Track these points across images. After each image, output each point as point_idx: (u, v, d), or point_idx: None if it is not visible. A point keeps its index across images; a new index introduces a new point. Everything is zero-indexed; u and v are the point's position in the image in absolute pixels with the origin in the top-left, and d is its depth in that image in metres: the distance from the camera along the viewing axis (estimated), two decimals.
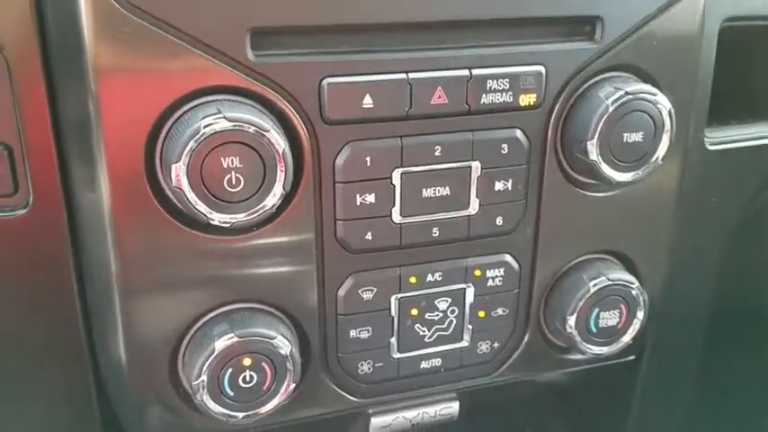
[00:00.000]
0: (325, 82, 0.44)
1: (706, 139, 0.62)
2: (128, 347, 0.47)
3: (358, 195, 0.47)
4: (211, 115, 0.41)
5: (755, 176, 0.68)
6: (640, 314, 0.57)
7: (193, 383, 0.46)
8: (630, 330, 0.57)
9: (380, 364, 0.53)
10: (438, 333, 0.53)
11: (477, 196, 0.50)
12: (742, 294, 0.86)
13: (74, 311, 0.50)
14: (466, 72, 0.46)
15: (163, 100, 0.42)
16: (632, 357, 0.65)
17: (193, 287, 0.46)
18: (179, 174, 0.41)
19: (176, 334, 0.47)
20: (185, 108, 0.42)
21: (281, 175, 0.42)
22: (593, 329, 0.56)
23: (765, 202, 0.71)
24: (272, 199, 0.43)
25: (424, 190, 0.48)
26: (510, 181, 0.50)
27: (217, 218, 0.42)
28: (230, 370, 0.46)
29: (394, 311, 0.51)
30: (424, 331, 0.53)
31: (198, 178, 0.41)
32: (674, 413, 0.79)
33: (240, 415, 0.47)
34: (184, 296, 0.46)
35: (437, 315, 0.53)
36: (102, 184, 0.43)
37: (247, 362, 0.46)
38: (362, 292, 0.50)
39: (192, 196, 0.41)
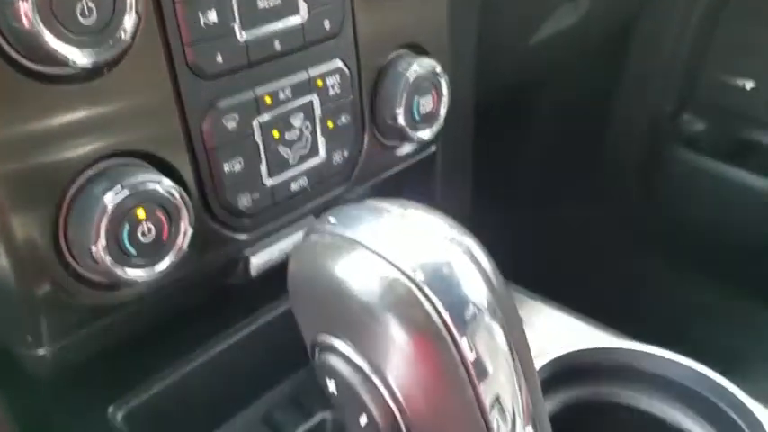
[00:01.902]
0: None
1: None
2: (6, 235, 0.41)
3: (200, 14, 0.45)
4: None
5: None
6: (445, 97, 0.63)
7: (92, 248, 0.42)
8: (442, 112, 0.63)
9: (257, 194, 0.52)
10: (299, 152, 0.54)
11: (304, 1, 0.51)
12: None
13: None
14: None
15: None
16: (433, 149, 0.72)
17: (58, 147, 0.41)
18: (26, 10, 0.36)
19: (53, 204, 0.42)
20: None
21: None
22: (417, 117, 0.61)
23: None
24: (129, 21, 0.39)
25: (258, 1, 0.48)
26: None
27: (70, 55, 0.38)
28: (127, 226, 0.43)
29: (258, 137, 0.51)
30: (287, 153, 0.53)
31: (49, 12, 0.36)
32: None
33: (146, 272, 0.44)
34: (51, 159, 0.41)
35: (295, 134, 0.53)
36: None
37: (142, 214, 0.43)
38: (226, 121, 0.48)
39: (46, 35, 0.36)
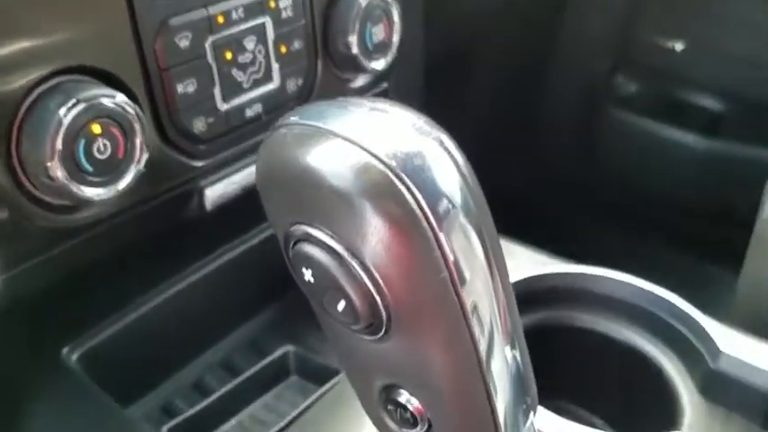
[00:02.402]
0: None
1: None
2: None
3: None
4: None
5: None
6: (397, 25, 0.63)
7: (48, 165, 0.40)
8: (395, 40, 0.63)
9: (211, 119, 0.51)
10: (253, 77, 0.53)
11: None
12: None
13: None
14: None
15: None
16: (386, 86, 0.72)
17: (11, 62, 0.39)
18: None
19: (6, 121, 0.40)
20: None
21: None
22: (370, 46, 0.61)
23: None
24: None
25: None
26: None
27: None
28: (83, 141, 0.41)
29: (211, 58, 0.50)
30: (240, 77, 0.52)
31: None
32: None
33: (104, 190, 0.43)
34: (2, 75, 0.39)
35: (248, 57, 0.52)
36: None
37: (97, 129, 0.42)
38: (178, 39, 0.47)
39: None
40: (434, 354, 0.32)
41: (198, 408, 0.58)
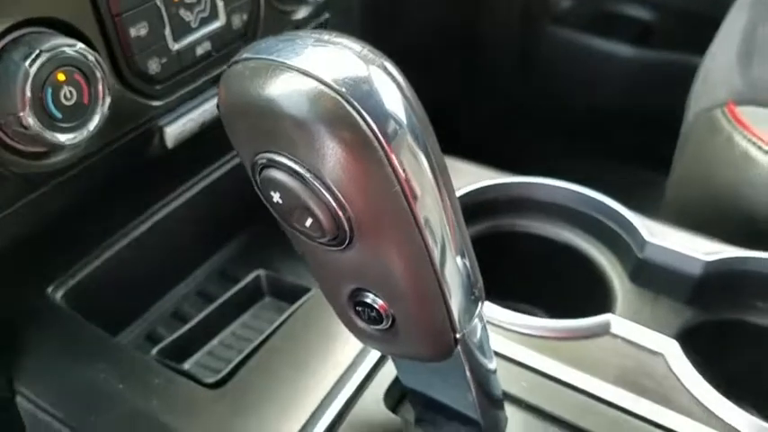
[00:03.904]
0: None
1: None
2: None
3: None
4: None
5: None
6: None
7: (21, 115, 0.42)
8: None
9: (164, 59, 0.53)
10: (200, 15, 0.55)
11: None
12: None
13: None
14: None
15: None
16: (327, 15, 0.73)
17: None
18: None
19: None
20: None
21: None
22: None
23: None
24: None
25: None
26: None
27: None
28: (50, 89, 0.43)
29: (159, 0, 0.51)
30: (188, 16, 0.54)
31: None
32: None
33: (74, 135, 0.45)
34: None
35: None
36: None
37: (62, 77, 0.43)
38: None
39: None
40: (393, 258, 0.36)
41: (184, 329, 0.62)
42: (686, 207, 0.85)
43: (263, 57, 0.34)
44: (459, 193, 0.68)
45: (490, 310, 0.56)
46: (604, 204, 0.65)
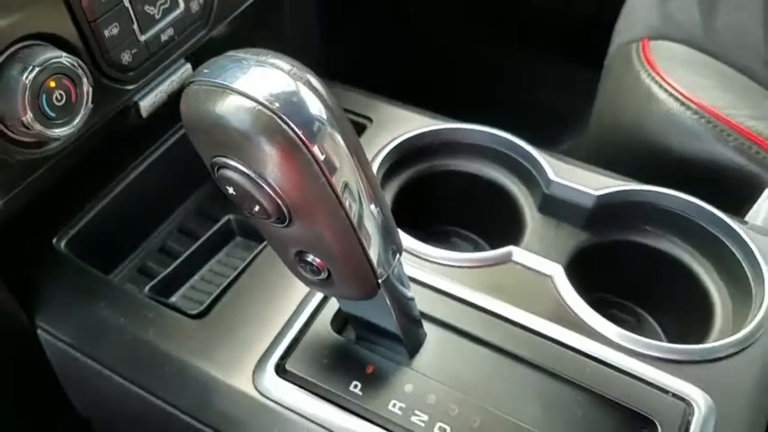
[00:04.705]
0: None
1: None
2: None
3: None
4: None
5: None
6: None
7: (23, 119, 0.51)
8: None
9: (135, 50, 0.61)
10: (162, 7, 0.62)
11: None
12: None
13: None
14: None
15: None
16: None
17: None
18: None
19: None
20: None
21: None
22: None
23: None
24: None
25: None
26: None
27: None
28: (44, 95, 0.52)
29: (126, 2, 0.59)
30: (152, 10, 0.62)
31: None
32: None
33: (66, 128, 0.55)
34: None
35: None
36: None
37: (53, 84, 0.52)
38: None
39: None
40: (323, 231, 0.47)
41: (169, 269, 0.73)
42: (603, 137, 0.96)
43: (214, 80, 0.43)
44: (401, 140, 0.78)
45: (414, 244, 0.68)
46: (520, 146, 0.76)
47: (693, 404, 0.55)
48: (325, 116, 0.44)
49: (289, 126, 0.42)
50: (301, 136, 0.43)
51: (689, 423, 0.55)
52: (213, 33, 0.70)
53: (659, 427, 0.54)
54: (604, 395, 0.57)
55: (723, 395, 0.56)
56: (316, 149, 0.43)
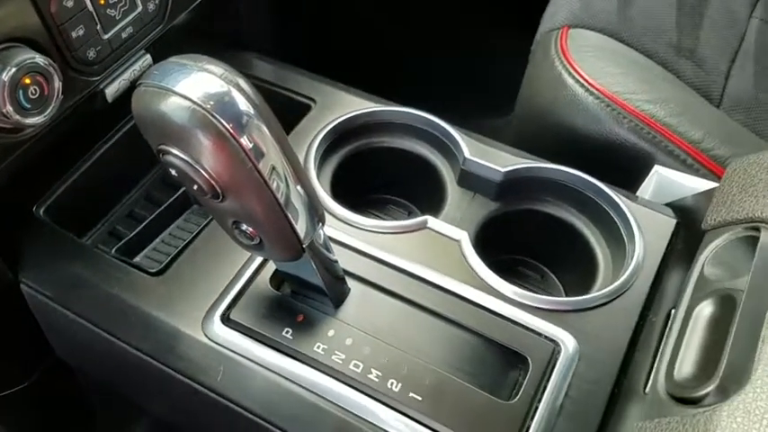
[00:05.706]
0: None
1: None
2: None
3: None
4: None
5: None
6: None
7: (4, 111, 0.60)
8: None
9: (99, 47, 0.70)
10: (122, 9, 0.71)
11: None
12: None
13: None
14: None
15: None
16: None
17: None
18: None
19: None
20: None
21: None
22: None
23: None
24: None
25: None
26: None
27: None
28: (21, 90, 0.61)
29: (90, 7, 0.67)
30: (113, 12, 0.70)
31: None
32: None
33: (40, 117, 0.64)
34: None
35: None
36: None
37: (28, 81, 0.62)
38: (65, 2, 0.65)
39: None
40: (252, 205, 0.56)
41: (133, 233, 0.83)
42: (525, 117, 1.05)
43: (159, 83, 0.52)
44: (342, 119, 0.88)
45: (345, 213, 0.78)
46: (442, 126, 0.86)
47: (561, 345, 0.67)
48: (252, 112, 0.53)
49: (219, 121, 0.51)
50: (230, 129, 0.52)
51: (556, 360, 0.66)
52: (171, 24, 0.79)
53: (531, 363, 0.66)
54: (491, 338, 0.68)
55: (588, 339, 0.68)
56: (243, 140, 0.53)
